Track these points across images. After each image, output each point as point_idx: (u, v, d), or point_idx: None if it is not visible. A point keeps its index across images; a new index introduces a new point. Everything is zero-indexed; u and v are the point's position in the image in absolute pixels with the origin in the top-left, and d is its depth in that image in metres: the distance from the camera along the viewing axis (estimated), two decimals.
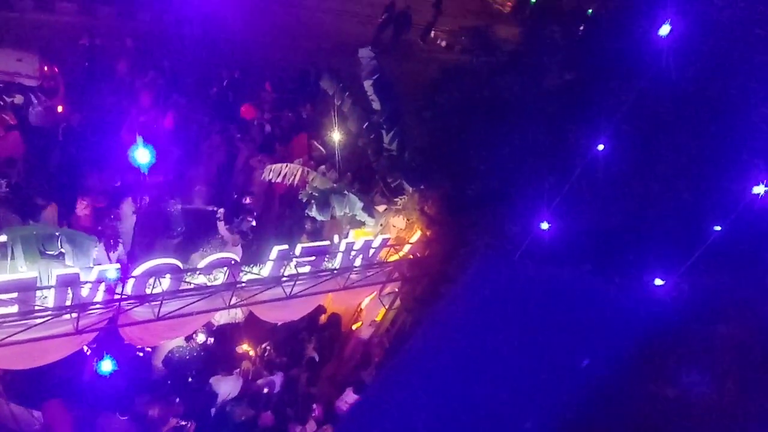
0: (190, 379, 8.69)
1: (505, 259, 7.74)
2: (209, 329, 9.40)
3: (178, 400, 8.30)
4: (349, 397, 9.32)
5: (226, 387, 8.77)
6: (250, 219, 10.38)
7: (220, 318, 9.63)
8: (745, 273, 8.67)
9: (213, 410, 8.65)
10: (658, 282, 8.31)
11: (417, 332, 8.86)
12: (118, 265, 7.02)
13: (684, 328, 7.15)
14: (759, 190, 7.39)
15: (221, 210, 10.19)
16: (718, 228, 8.05)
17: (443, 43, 21.27)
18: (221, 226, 10.04)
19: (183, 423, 8.20)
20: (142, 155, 5.04)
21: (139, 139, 5.07)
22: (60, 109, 11.80)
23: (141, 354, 8.93)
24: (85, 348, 7.66)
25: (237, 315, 9.72)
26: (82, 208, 9.35)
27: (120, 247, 9.09)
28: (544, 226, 7.94)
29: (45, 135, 11.24)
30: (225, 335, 9.62)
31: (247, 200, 10.90)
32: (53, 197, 9.27)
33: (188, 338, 9.10)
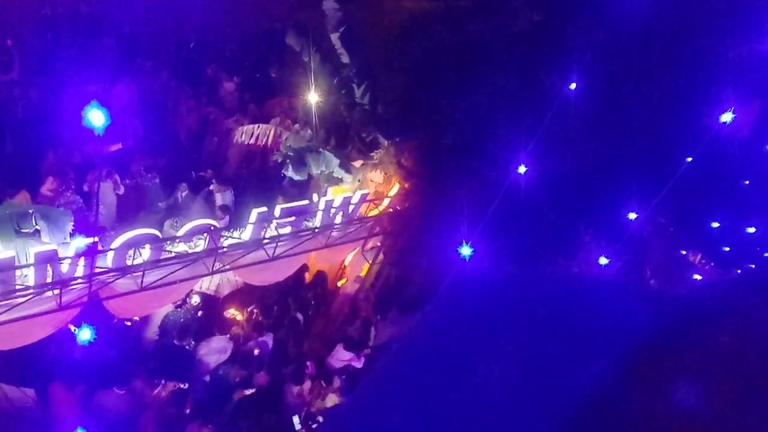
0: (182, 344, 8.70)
1: (491, 265, 7.81)
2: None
3: (171, 367, 8.35)
4: (341, 354, 9.42)
5: (216, 349, 8.82)
6: (222, 190, 10.06)
7: (224, 290, 9.65)
8: (737, 279, 8.85)
9: (207, 376, 8.71)
10: (631, 216, 8.44)
11: (402, 337, 8.96)
12: (94, 238, 6.91)
13: (679, 337, 7.27)
14: (726, 117, 7.48)
15: (183, 184, 9.97)
16: (689, 159, 8.18)
17: None
18: (219, 198, 9.88)
19: (182, 386, 8.27)
20: (95, 117, 4.88)
21: (93, 102, 4.90)
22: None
23: (129, 323, 8.88)
24: (72, 327, 7.62)
25: (238, 281, 9.70)
26: (48, 186, 9.10)
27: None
28: (522, 169, 7.99)
29: (1, 113, 10.85)
30: (213, 300, 9.63)
31: (209, 173, 10.60)
32: (20, 182, 9.02)
33: (182, 303, 9.10)
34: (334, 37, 10.05)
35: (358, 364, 9.42)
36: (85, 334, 7.14)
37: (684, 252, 10.33)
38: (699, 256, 10.68)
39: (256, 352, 8.90)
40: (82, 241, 6.83)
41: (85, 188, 9.50)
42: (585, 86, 8.50)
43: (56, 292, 6.92)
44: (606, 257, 9.08)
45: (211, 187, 10.00)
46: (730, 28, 9.52)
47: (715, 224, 9.98)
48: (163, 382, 8.11)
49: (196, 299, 9.26)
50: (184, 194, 9.88)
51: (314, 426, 8.68)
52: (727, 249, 10.73)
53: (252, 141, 10.32)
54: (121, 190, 9.73)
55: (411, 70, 9.99)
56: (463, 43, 9.60)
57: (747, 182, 10.59)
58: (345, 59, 10.18)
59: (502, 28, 9.50)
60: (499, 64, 9.30)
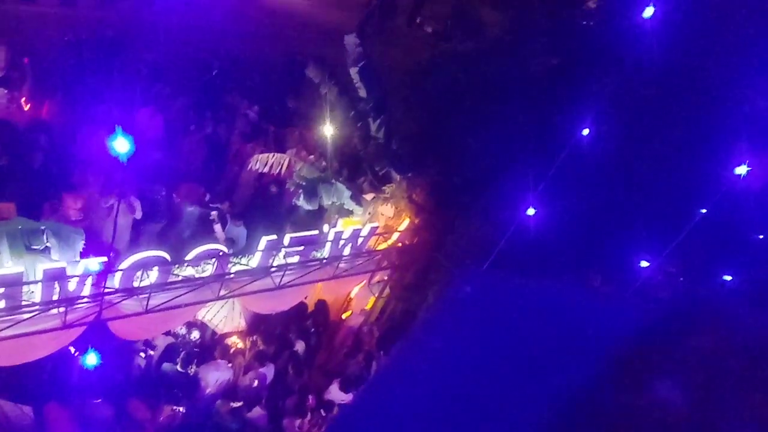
0: (179, 368, 8.66)
1: (486, 272, 7.81)
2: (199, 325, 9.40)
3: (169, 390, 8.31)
4: (336, 393, 9.29)
5: (216, 374, 8.78)
6: (236, 224, 10.01)
7: (224, 327, 9.65)
8: (720, 281, 8.81)
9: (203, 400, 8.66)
10: (644, 264, 8.37)
11: (399, 346, 8.89)
12: (104, 258, 6.96)
13: (660, 341, 7.24)
14: (741, 170, 7.44)
15: (214, 213, 9.93)
16: (703, 210, 8.12)
17: (429, 29, 21.16)
18: (218, 229, 9.82)
19: (179, 409, 8.22)
20: (121, 144, 4.96)
21: (118, 128, 4.98)
22: (24, 103, 11.50)
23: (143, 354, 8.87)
24: (72, 349, 7.62)
25: (240, 324, 9.73)
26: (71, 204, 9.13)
27: None
28: (531, 211, 7.97)
29: (21, 135, 10.96)
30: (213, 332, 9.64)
31: (225, 205, 10.55)
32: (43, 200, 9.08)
33: (182, 337, 9.10)
34: (353, 72, 10.20)
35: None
36: (91, 359, 7.15)
37: None
38: None
39: (255, 383, 8.84)
40: (93, 261, 6.88)
41: (103, 206, 9.52)
42: (599, 131, 8.53)
43: (61, 310, 6.94)
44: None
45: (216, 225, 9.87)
46: (748, 82, 9.56)
47: (728, 278, 9.87)
48: (160, 405, 8.07)
49: (196, 335, 9.24)
50: (189, 210, 9.89)
51: None
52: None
53: (266, 169, 10.41)
54: (138, 215, 9.72)
55: (426, 107, 10.11)
56: (479, 83, 9.71)
57: (761, 237, 10.49)
58: (362, 93, 10.32)
59: (518, 70, 9.61)
60: (514, 105, 9.39)
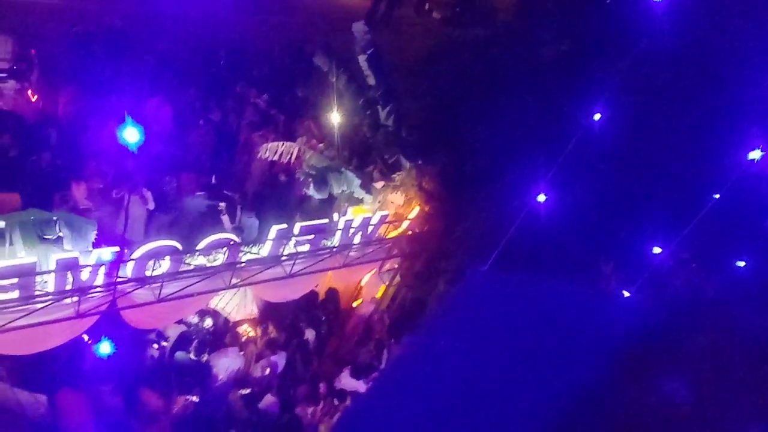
0: (192, 356, 8.72)
1: (490, 272, 7.84)
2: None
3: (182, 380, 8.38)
4: (347, 380, 9.34)
5: (227, 362, 8.84)
6: (248, 215, 10.01)
7: (236, 314, 9.70)
8: (733, 267, 8.76)
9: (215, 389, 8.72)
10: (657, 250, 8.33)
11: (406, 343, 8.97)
12: (116, 248, 7.00)
13: (664, 337, 7.24)
14: (755, 155, 7.35)
15: (223, 204, 9.94)
16: (716, 196, 8.05)
17: (438, 15, 21.02)
18: (226, 220, 9.84)
19: (192, 398, 8.29)
20: (131, 134, 4.97)
21: (128, 118, 4.98)
22: (32, 94, 11.50)
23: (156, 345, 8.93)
24: (85, 337, 7.68)
25: (253, 311, 9.77)
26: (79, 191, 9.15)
27: None
28: (541, 198, 7.93)
29: (30, 127, 10.98)
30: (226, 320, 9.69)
31: (236, 196, 10.52)
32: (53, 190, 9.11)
33: (195, 325, 9.15)
34: (362, 59, 10.17)
35: (362, 389, 9.34)
36: (105, 348, 7.20)
37: None
38: None
39: (267, 371, 8.89)
40: (106, 251, 6.92)
41: (114, 196, 9.54)
42: (610, 117, 8.46)
43: (75, 299, 6.99)
44: (627, 291, 8.95)
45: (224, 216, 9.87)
46: (761, 65, 9.44)
47: (741, 263, 9.80)
48: (173, 394, 8.13)
49: (209, 322, 9.29)
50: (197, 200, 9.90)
51: None
52: None
53: (276, 158, 10.41)
54: (151, 205, 9.74)
55: (436, 95, 10.07)
56: (488, 70, 9.65)
57: None
58: (371, 81, 10.28)
59: (528, 56, 9.53)
60: (524, 92, 9.32)
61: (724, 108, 9.35)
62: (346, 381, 9.32)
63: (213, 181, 10.73)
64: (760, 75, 9.42)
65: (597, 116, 8.16)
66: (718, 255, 9.07)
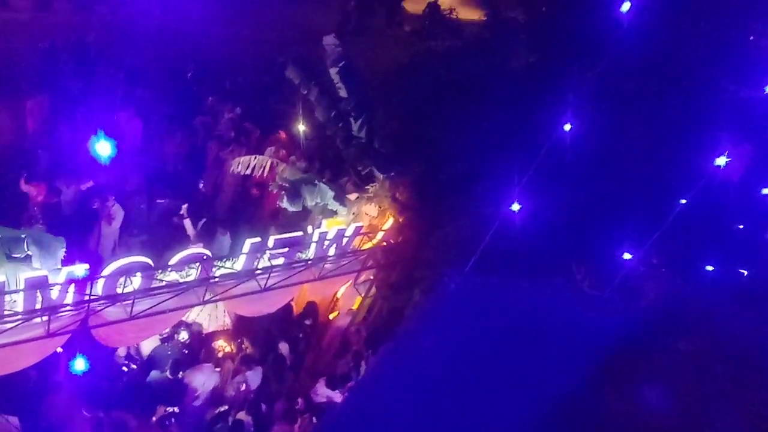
0: (168, 375, 8.60)
1: (471, 275, 7.90)
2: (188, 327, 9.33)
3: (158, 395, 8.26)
4: (322, 390, 9.29)
5: (202, 378, 8.72)
6: (222, 233, 9.96)
7: (209, 326, 9.58)
8: (702, 272, 8.94)
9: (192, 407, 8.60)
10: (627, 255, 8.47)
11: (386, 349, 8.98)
12: (87, 265, 6.89)
13: (646, 343, 7.34)
14: (721, 161, 7.53)
15: (184, 206, 9.85)
16: (683, 201, 8.21)
17: (408, 28, 21.23)
18: (188, 225, 9.73)
19: (172, 409, 8.18)
20: (102, 147, 4.94)
21: (100, 132, 4.96)
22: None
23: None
24: (59, 349, 7.54)
25: (226, 322, 9.65)
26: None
27: None
28: (515, 207, 8.01)
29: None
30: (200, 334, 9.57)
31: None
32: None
33: (169, 338, 9.01)
34: (333, 72, 10.19)
35: (338, 399, 9.30)
36: (80, 365, 7.07)
37: None
38: None
39: (242, 387, 8.79)
40: (74, 268, 6.81)
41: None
42: (580, 125, 8.60)
43: (45, 318, 6.85)
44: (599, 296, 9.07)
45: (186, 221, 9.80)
46: (727, 72, 9.69)
47: (709, 268, 10.00)
48: (147, 414, 8.01)
49: (184, 335, 9.18)
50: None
51: None
52: None
53: (248, 172, 10.36)
54: (117, 224, 9.59)
55: (408, 106, 10.12)
56: (459, 81, 9.74)
57: (741, 227, 10.63)
58: (343, 93, 10.31)
59: (499, 67, 9.66)
60: (494, 102, 9.43)
61: (691, 115, 9.58)
62: (322, 391, 9.25)
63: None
64: (725, 82, 9.67)
65: (567, 126, 8.29)
66: (687, 259, 9.24)
